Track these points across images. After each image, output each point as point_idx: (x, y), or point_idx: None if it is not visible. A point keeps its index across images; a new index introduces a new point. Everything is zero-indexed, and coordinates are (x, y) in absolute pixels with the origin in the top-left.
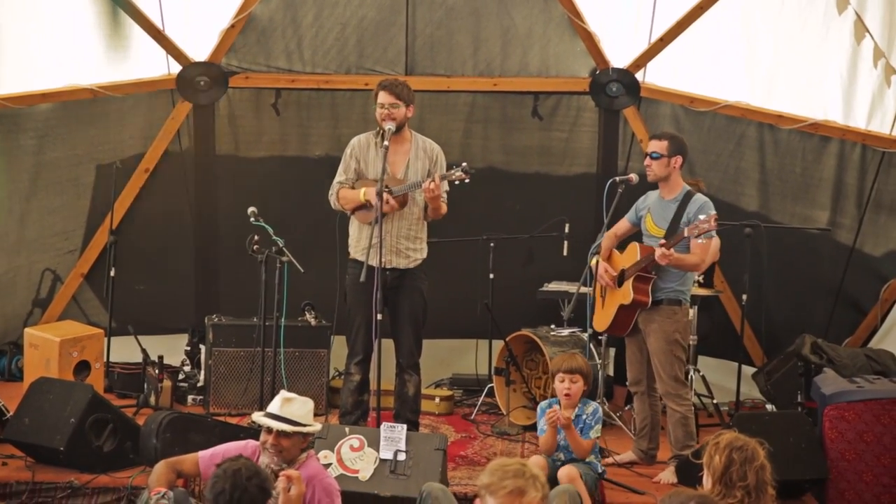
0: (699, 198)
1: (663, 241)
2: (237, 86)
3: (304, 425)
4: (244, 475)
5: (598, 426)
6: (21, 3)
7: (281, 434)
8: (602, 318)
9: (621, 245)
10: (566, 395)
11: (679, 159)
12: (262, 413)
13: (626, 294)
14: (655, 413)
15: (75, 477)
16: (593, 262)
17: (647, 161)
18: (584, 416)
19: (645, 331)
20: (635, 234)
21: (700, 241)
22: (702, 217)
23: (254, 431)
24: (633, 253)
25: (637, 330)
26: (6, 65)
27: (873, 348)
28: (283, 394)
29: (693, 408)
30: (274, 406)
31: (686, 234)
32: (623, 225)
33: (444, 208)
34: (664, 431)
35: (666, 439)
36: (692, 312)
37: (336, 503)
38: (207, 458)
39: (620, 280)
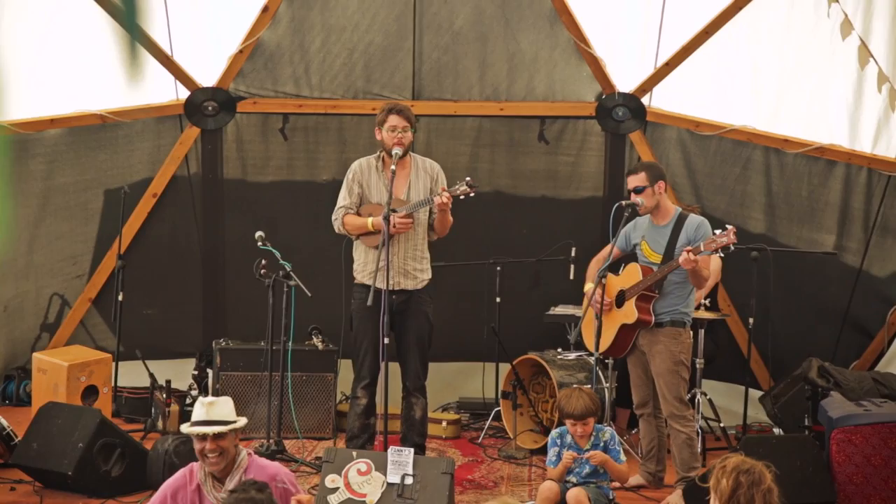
0: (695, 218)
1: (689, 247)
2: (245, 111)
3: (234, 422)
4: None
5: (621, 447)
6: (30, 29)
7: (218, 437)
8: (602, 340)
9: (614, 267)
10: (580, 436)
11: (661, 184)
12: (188, 424)
13: (630, 314)
14: (662, 435)
15: (83, 502)
16: (586, 287)
17: (633, 197)
18: (606, 443)
19: (649, 353)
20: (628, 258)
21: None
22: (717, 232)
23: (261, 456)
24: (634, 273)
25: (640, 352)
26: (15, 90)
27: (880, 371)
28: (203, 399)
29: (699, 429)
30: (199, 414)
31: (703, 249)
32: (613, 251)
33: (451, 220)
34: (670, 454)
35: (672, 461)
36: (691, 334)
37: (295, 482)
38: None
39: (620, 301)
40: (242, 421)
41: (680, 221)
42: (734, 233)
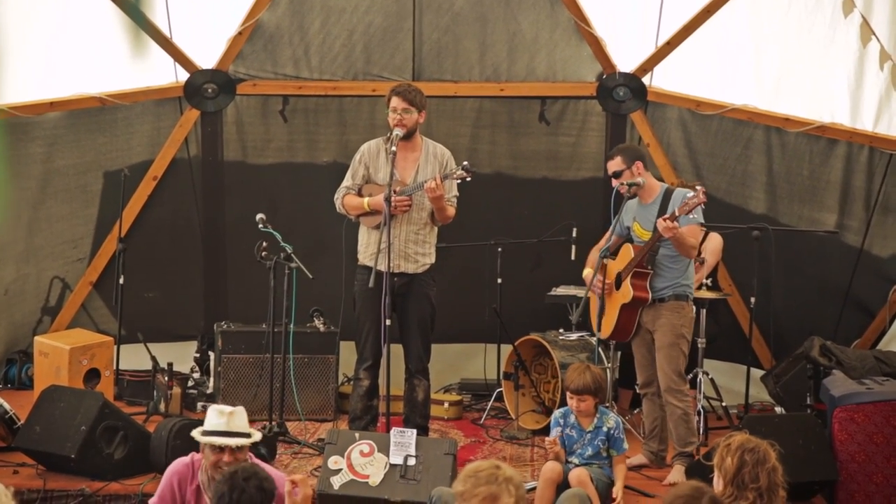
0: (680, 191)
1: (665, 215)
2: (245, 93)
3: (251, 435)
4: (241, 476)
5: (624, 436)
6: (29, 12)
7: (237, 450)
8: (605, 324)
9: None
10: (578, 411)
11: (639, 164)
12: (201, 431)
13: (626, 293)
14: (665, 415)
15: (86, 484)
16: (585, 273)
17: (614, 183)
18: (609, 430)
19: (652, 328)
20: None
21: (692, 216)
22: (689, 194)
23: (264, 438)
24: (627, 254)
25: (645, 331)
26: (15, 74)
27: (882, 350)
28: (219, 408)
29: (700, 408)
30: (219, 424)
31: (677, 214)
32: (612, 237)
33: (450, 211)
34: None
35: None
36: (694, 309)
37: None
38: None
39: (618, 283)
40: (258, 435)
41: (666, 196)
42: (703, 192)
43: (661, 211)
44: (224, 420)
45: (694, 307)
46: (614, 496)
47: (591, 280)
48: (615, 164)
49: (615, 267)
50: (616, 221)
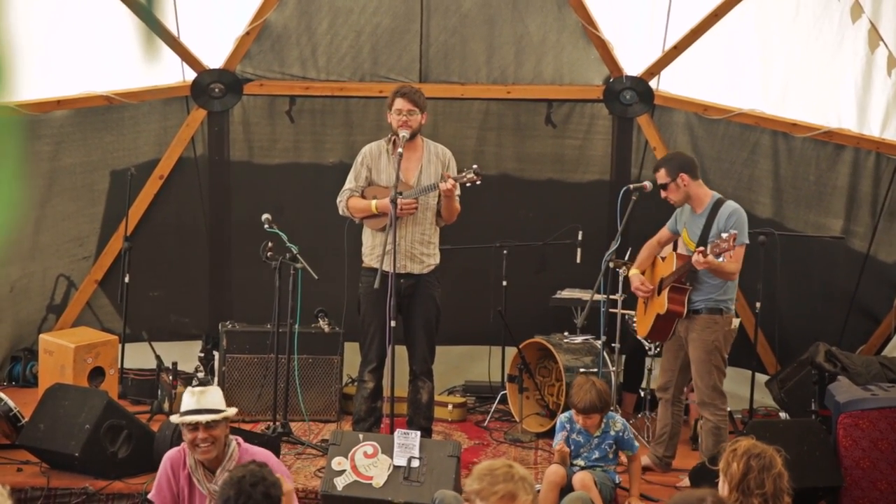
0: (729, 205)
1: (701, 248)
2: (252, 93)
3: (224, 410)
4: (248, 481)
5: (632, 434)
6: (36, 10)
7: (209, 426)
8: (643, 324)
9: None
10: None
11: (684, 177)
12: (178, 415)
13: (662, 304)
14: (677, 422)
15: (90, 483)
16: (630, 273)
17: (663, 194)
18: (618, 433)
19: (685, 339)
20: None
21: (724, 258)
22: (724, 235)
23: (267, 438)
24: (671, 263)
25: (678, 337)
26: (22, 72)
27: (887, 356)
28: (192, 389)
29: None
30: (191, 403)
31: (709, 252)
32: (664, 233)
33: (458, 205)
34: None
35: (682, 448)
36: (736, 322)
37: (288, 473)
38: (155, 496)
39: (660, 288)
40: (233, 410)
41: (714, 209)
42: (733, 238)
43: (707, 224)
44: (195, 399)
45: (735, 319)
46: (629, 502)
47: (636, 282)
48: (660, 177)
49: (660, 271)
50: (624, 223)
